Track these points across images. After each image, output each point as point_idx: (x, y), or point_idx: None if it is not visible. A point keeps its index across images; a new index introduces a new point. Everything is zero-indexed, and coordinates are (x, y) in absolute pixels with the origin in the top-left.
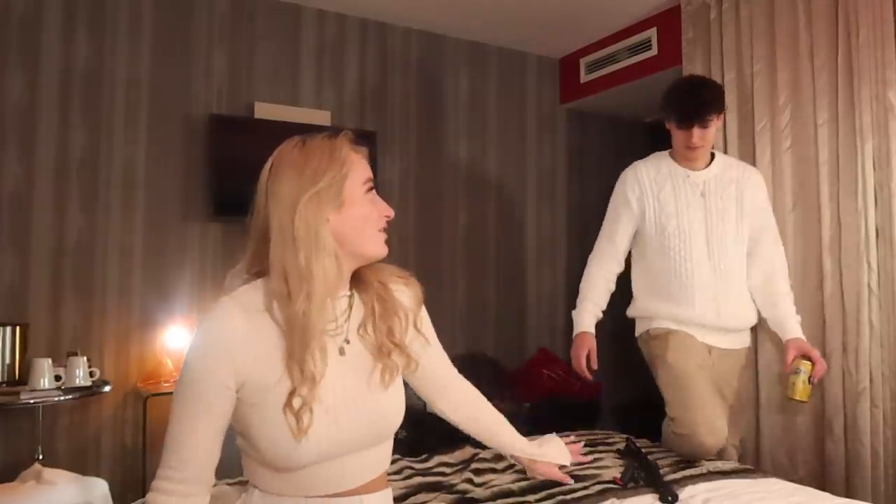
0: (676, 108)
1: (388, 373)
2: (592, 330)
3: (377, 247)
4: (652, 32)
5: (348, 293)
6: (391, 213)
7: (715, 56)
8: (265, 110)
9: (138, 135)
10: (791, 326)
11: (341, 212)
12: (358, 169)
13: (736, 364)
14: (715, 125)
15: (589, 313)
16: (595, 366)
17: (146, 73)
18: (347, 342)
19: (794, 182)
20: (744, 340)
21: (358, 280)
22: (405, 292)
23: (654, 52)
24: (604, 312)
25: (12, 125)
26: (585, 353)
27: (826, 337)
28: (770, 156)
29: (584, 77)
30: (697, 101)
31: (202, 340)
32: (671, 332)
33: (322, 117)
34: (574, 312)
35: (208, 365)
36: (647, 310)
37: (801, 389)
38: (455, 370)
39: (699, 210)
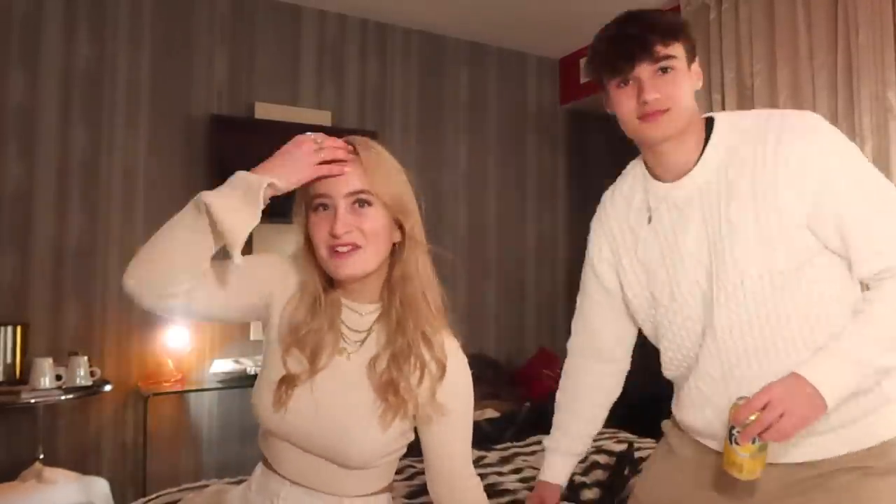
0: (605, 49)
1: (391, 412)
2: (558, 479)
3: (331, 269)
4: None
5: (367, 311)
6: (337, 230)
7: (715, 56)
8: (265, 110)
9: (139, 135)
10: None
11: (307, 229)
12: (308, 188)
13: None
14: (682, 67)
15: (554, 454)
16: None
17: (147, 73)
18: (348, 357)
19: None
20: (855, 440)
21: (393, 314)
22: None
23: None
24: None
25: (13, 125)
26: None
27: None
28: None
29: (584, 77)
30: (637, 26)
31: (269, 256)
32: (671, 441)
33: (322, 117)
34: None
35: (258, 262)
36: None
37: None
38: (465, 468)
39: (693, 256)
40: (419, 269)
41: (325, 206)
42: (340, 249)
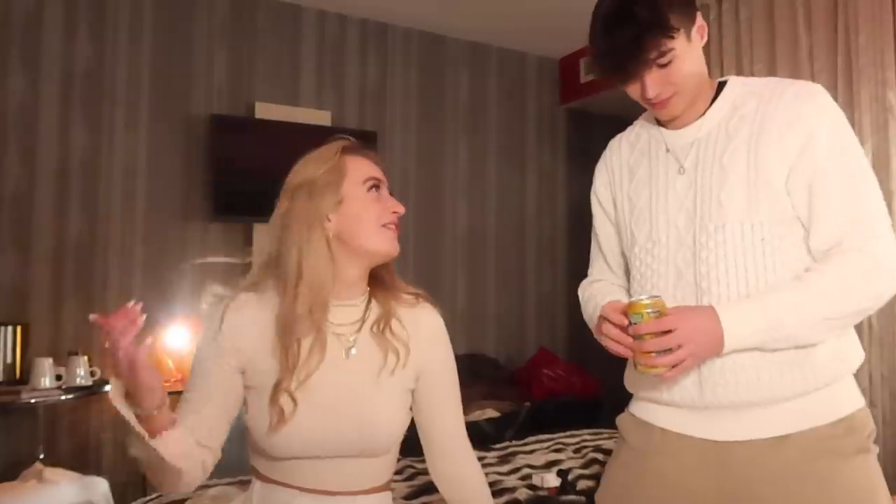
0: (602, 65)
1: (388, 369)
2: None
3: (382, 242)
4: None
5: (359, 301)
6: (401, 209)
7: (714, 57)
8: (265, 110)
9: (139, 135)
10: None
11: (340, 209)
12: (358, 168)
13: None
14: (682, 47)
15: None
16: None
17: (147, 74)
18: (353, 350)
19: None
20: (819, 414)
21: (376, 291)
22: (420, 315)
23: None
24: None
25: (13, 125)
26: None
27: None
28: None
29: (584, 77)
30: (627, 30)
31: (215, 328)
32: (626, 444)
33: (322, 117)
34: (587, 319)
35: (219, 352)
36: (626, 377)
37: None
38: (460, 438)
39: (679, 198)
40: None
41: (377, 187)
42: (391, 227)
